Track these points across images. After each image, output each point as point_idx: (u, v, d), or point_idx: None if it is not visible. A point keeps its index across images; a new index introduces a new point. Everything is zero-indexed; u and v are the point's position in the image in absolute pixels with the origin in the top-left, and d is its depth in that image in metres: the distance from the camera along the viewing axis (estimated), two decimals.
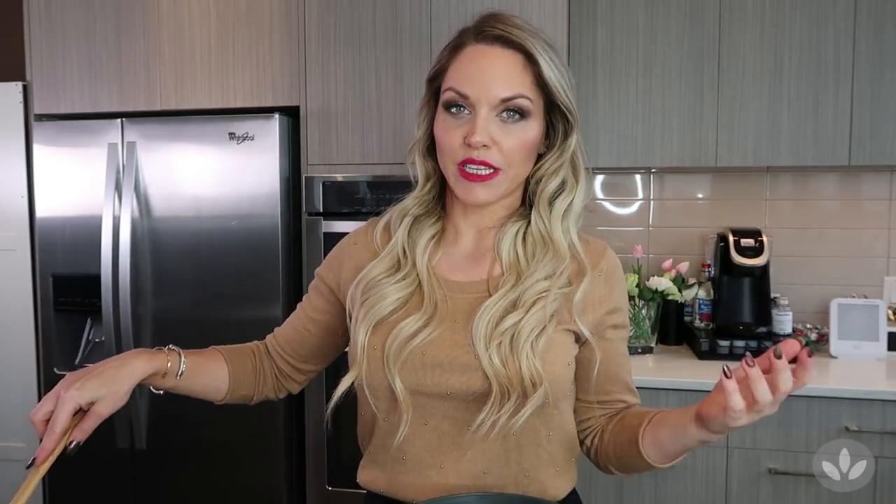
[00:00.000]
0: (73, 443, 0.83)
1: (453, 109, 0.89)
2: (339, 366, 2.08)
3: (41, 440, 0.82)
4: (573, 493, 0.99)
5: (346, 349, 1.11)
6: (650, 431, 0.89)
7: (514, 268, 0.92)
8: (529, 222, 0.95)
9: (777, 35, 2.11)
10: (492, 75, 0.87)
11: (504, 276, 0.92)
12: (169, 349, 0.97)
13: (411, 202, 0.99)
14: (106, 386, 0.86)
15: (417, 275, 0.94)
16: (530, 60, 0.88)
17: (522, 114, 0.88)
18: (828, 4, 2.08)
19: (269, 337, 1.13)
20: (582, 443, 1.01)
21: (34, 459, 0.81)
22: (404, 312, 0.92)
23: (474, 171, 0.87)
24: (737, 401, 0.72)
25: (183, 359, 0.96)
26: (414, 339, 0.90)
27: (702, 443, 0.82)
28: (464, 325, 0.90)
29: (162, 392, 0.99)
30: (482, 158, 0.87)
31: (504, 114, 0.88)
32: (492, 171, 0.88)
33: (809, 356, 0.71)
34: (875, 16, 2.05)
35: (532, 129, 0.90)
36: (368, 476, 0.98)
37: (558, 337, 0.90)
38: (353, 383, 0.92)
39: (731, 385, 0.72)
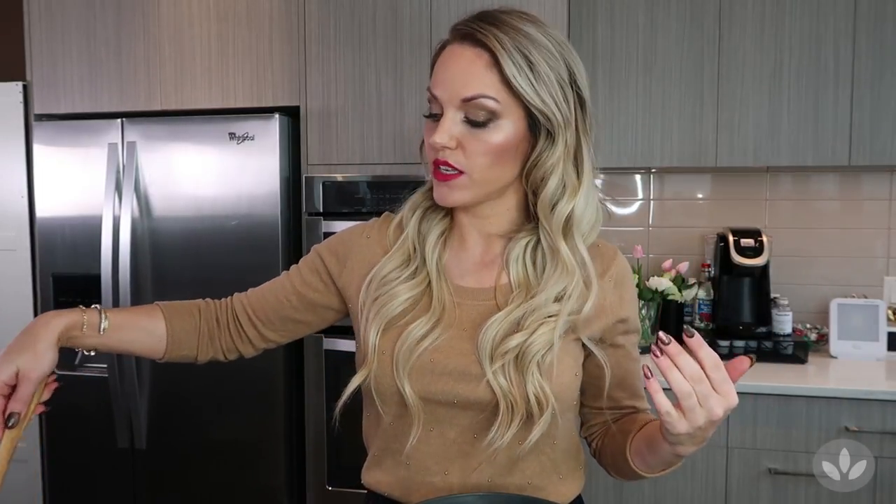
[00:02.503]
0: (14, 415, 0.82)
1: (427, 113, 0.88)
2: (338, 366, 2.09)
3: None
4: (578, 499, 0.98)
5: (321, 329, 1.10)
6: (636, 441, 0.88)
7: (524, 285, 0.89)
8: (539, 236, 0.91)
9: (777, 35, 2.11)
10: (454, 75, 0.84)
11: (514, 292, 0.90)
12: (91, 308, 0.94)
13: (420, 196, 0.98)
14: (21, 353, 0.84)
15: (427, 273, 0.92)
16: (495, 59, 0.83)
17: (491, 115, 0.83)
18: (828, 4, 2.08)
19: (238, 296, 1.08)
20: (589, 444, 1.02)
21: None
22: (413, 315, 0.91)
23: (443, 171, 0.86)
24: (661, 401, 0.71)
25: (104, 315, 0.93)
26: (422, 342, 0.88)
27: (678, 457, 0.79)
28: (471, 335, 0.89)
29: (92, 353, 0.98)
30: (444, 159, 0.85)
31: (470, 114, 0.84)
32: (455, 172, 0.86)
33: (750, 364, 0.71)
34: (875, 16, 2.05)
35: (501, 132, 0.84)
36: (373, 478, 0.98)
37: (567, 348, 0.89)
38: (360, 384, 0.91)
39: (653, 385, 0.71)
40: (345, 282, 1.00)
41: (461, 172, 0.86)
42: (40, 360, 0.85)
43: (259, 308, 1.05)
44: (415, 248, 0.94)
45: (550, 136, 0.86)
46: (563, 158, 0.87)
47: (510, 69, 0.82)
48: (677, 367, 0.70)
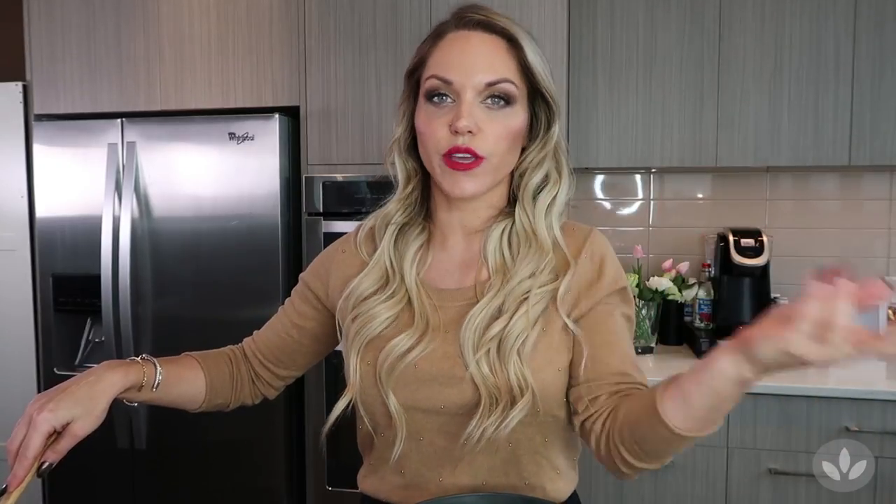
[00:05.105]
0: (46, 464, 0.79)
1: (435, 99, 0.87)
2: (338, 369, 2.08)
3: (12, 466, 0.78)
4: (574, 495, 0.98)
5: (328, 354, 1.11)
6: (671, 388, 0.74)
7: (501, 270, 0.90)
8: (514, 220, 0.92)
9: (777, 35, 2.11)
10: (475, 60, 0.85)
11: (490, 281, 0.90)
12: (143, 359, 0.93)
13: (394, 207, 0.96)
14: (81, 404, 0.82)
15: (407, 290, 0.92)
16: (514, 45, 0.87)
17: (508, 100, 0.86)
18: (828, 4, 2.07)
19: (247, 340, 1.10)
20: (590, 433, 0.86)
21: (6, 486, 0.77)
22: (395, 329, 0.90)
23: (460, 160, 0.85)
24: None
25: (159, 369, 0.93)
26: (407, 356, 0.88)
27: (737, 385, 0.66)
28: (454, 336, 0.88)
29: (136, 404, 0.96)
30: (467, 146, 0.84)
31: (489, 100, 0.86)
32: (474, 159, 0.85)
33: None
34: (875, 16, 2.05)
35: (517, 117, 0.88)
36: (370, 486, 0.99)
37: (547, 341, 0.87)
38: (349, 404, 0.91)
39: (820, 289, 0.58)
40: (332, 301, 1.01)
41: (481, 159, 0.85)
42: (93, 423, 0.84)
43: (266, 350, 1.07)
44: (392, 268, 0.93)
45: (547, 124, 0.92)
46: (555, 147, 0.92)
47: (532, 55, 0.87)
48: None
